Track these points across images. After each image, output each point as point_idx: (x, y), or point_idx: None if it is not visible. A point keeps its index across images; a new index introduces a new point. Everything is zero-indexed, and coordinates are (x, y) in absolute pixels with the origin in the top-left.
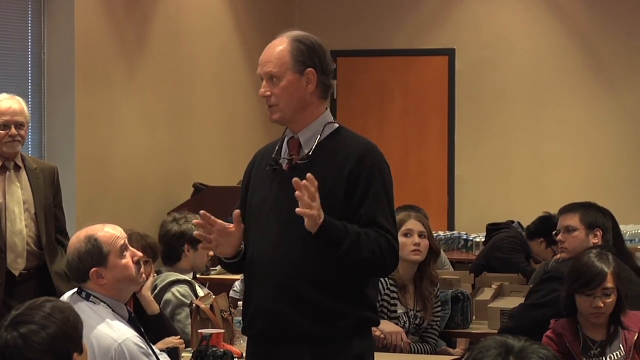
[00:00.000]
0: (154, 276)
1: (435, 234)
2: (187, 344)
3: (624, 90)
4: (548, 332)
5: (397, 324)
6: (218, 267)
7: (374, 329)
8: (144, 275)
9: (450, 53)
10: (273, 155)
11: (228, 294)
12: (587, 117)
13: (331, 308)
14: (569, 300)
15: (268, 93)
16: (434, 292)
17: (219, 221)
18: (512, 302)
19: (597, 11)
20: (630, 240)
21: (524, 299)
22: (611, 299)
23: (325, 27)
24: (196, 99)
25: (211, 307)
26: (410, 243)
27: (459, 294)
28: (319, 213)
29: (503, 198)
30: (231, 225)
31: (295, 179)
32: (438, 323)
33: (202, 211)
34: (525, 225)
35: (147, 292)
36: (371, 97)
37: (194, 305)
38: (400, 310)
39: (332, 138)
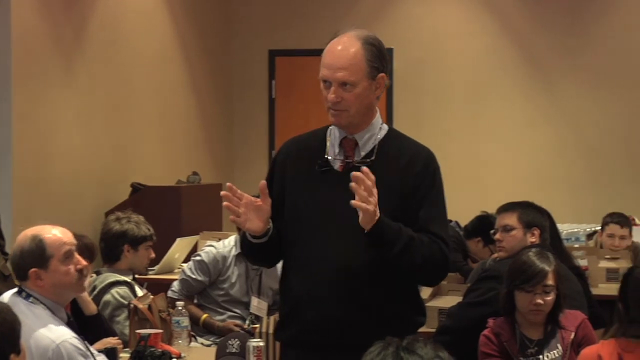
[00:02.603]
0: (91, 277)
1: None
2: (126, 345)
3: (560, 89)
4: (485, 331)
5: None
6: (156, 267)
7: None
8: (85, 284)
9: (388, 52)
10: (325, 156)
11: (166, 294)
12: (524, 117)
13: (392, 312)
14: (508, 298)
15: (339, 100)
16: None
17: (246, 195)
18: (450, 301)
19: (533, 11)
20: (567, 240)
21: (462, 297)
22: (551, 297)
23: (263, 27)
24: (134, 99)
25: (149, 307)
26: None
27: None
28: (375, 209)
29: None
30: (259, 200)
31: (353, 172)
32: None
33: (228, 183)
34: (463, 225)
35: (84, 293)
36: (311, 96)
37: (132, 305)
38: None
39: (388, 140)
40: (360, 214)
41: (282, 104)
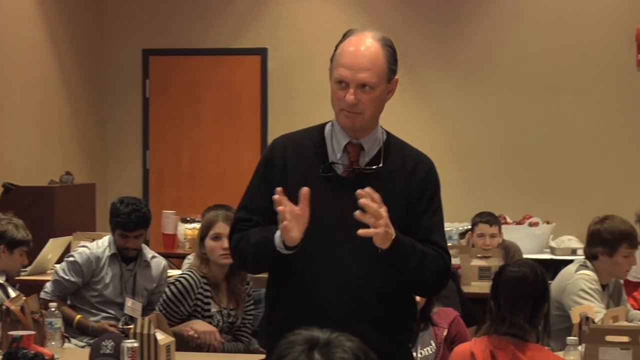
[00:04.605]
0: None
1: None
2: None
3: (433, 90)
4: None
5: (210, 323)
6: (29, 268)
7: (187, 328)
8: None
9: (262, 52)
10: (330, 160)
11: (39, 295)
12: (399, 118)
13: (392, 322)
14: None
15: (357, 102)
16: (246, 290)
17: (289, 202)
18: None
19: (409, 13)
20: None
21: None
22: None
23: (137, 25)
24: (5, 99)
25: (22, 308)
26: (219, 247)
27: None
28: (388, 229)
29: None
30: (299, 207)
31: (359, 193)
32: (251, 321)
33: (279, 188)
34: None
35: None
36: (185, 96)
37: (4, 307)
38: (213, 309)
39: (390, 146)
40: (375, 237)
41: (156, 104)
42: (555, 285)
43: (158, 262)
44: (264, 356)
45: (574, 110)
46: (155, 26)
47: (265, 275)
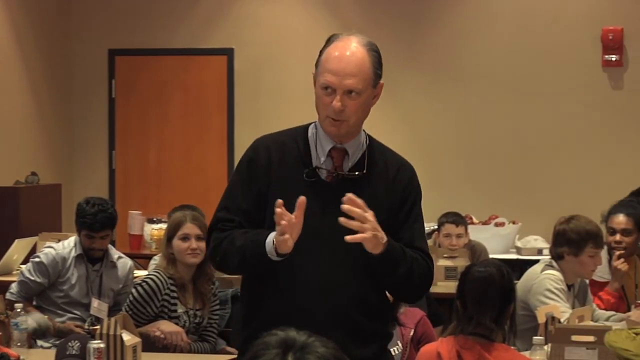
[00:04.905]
0: None
1: None
2: None
3: (399, 90)
4: None
5: (177, 324)
6: None
7: (153, 329)
8: None
9: (229, 53)
10: (314, 164)
11: (4, 296)
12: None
13: (372, 329)
14: None
15: (343, 108)
16: (212, 290)
17: (288, 213)
18: None
19: (375, 12)
20: None
21: None
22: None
23: (103, 25)
24: None
25: None
26: (187, 247)
27: (239, 293)
28: (376, 233)
29: None
30: (295, 215)
31: (345, 199)
32: (217, 322)
33: (279, 200)
34: None
35: None
36: (151, 96)
37: None
38: (180, 309)
39: (372, 150)
40: (366, 243)
41: (122, 104)
42: (521, 285)
43: (124, 262)
44: (231, 356)
45: (540, 111)
46: (122, 26)
47: (233, 276)
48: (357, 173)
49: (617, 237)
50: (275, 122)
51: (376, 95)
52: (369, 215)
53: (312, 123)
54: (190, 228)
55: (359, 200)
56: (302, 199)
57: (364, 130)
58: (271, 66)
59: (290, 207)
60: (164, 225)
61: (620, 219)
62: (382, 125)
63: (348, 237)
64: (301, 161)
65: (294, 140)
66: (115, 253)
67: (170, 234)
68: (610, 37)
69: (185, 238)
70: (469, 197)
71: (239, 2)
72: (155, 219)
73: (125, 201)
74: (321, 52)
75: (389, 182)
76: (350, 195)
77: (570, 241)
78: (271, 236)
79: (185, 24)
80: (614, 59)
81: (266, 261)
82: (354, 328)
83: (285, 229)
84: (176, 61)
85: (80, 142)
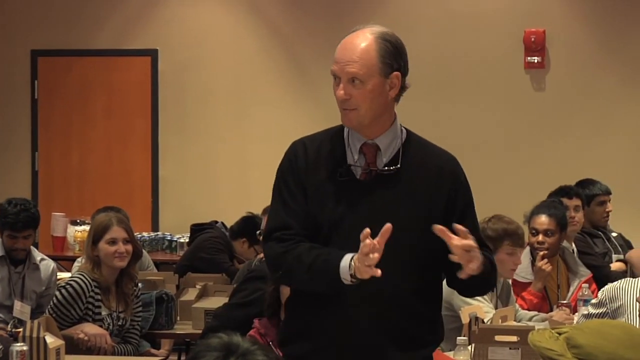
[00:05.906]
0: None
1: (139, 235)
2: None
3: (324, 93)
4: (251, 332)
5: (101, 326)
6: None
7: (77, 331)
8: None
9: (153, 54)
10: (350, 162)
11: None
12: (292, 120)
13: (418, 337)
14: (274, 298)
15: (347, 97)
16: (135, 291)
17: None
18: (216, 302)
19: (298, 12)
20: None
21: (228, 298)
22: None
23: (24, 25)
24: None
25: None
26: (114, 250)
27: (163, 295)
28: (480, 256)
29: (207, 198)
30: (378, 241)
31: (439, 228)
32: (140, 323)
33: (367, 230)
34: (229, 225)
35: None
36: (74, 97)
37: None
38: (104, 312)
39: (410, 146)
40: (468, 268)
41: (45, 105)
42: (445, 285)
43: (47, 264)
44: (158, 358)
45: (462, 112)
46: (44, 26)
47: (157, 278)
48: (391, 168)
49: (540, 237)
50: (202, 124)
51: (392, 86)
52: (472, 240)
53: None
54: (117, 232)
55: (464, 229)
56: (387, 226)
57: (402, 125)
58: (196, 67)
59: (329, 212)
60: (87, 227)
61: (543, 220)
62: (304, 124)
63: (462, 275)
64: (335, 160)
65: (330, 140)
66: (38, 255)
67: (96, 237)
68: (533, 39)
69: (113, 242)
70: None
71: (163, 3)
72: (78, 221)
73: (48, 203)
74: None
75: (430, 176)
76: (457, 226)
77: (488, 239)
78: (346, 260)
79: (109, 25)
80: (536, 61)
81: (338, 285)
82: (407, 338)
83: (373, 261)
84: (100, 62)
85: (2, 143)
